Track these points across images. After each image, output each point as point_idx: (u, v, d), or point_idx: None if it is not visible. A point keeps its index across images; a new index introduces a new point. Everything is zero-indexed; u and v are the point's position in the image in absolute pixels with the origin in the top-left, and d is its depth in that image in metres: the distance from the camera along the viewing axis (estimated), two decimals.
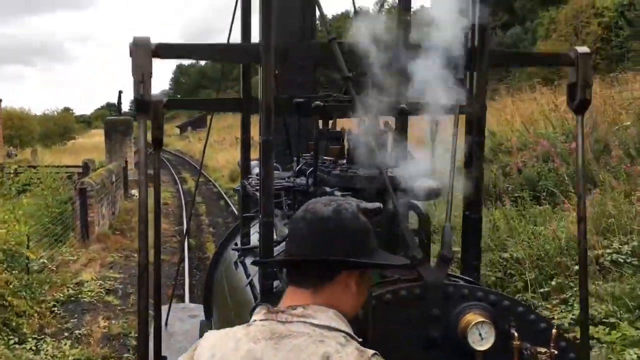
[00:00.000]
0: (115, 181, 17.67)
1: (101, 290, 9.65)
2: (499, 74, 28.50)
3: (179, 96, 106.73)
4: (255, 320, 1.54)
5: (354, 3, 4.20)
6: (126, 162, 23.01)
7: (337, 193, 2.40)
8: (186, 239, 11.03)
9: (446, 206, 2.23)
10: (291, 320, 1.48)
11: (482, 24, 2.39)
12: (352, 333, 1.53)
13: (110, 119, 26.39)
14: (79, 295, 9.33)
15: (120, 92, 29.24)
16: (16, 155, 33.95)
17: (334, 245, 1.52)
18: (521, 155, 10.76)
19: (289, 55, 2.46)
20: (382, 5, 3.44)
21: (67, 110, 72.33)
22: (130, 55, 2.13)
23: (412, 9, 3.13)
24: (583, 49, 2.32)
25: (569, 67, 2.33)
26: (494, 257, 7.22)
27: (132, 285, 9.90)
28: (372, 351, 1.48)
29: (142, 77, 2.11)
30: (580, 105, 2.30)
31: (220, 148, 35.68)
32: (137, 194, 14.99)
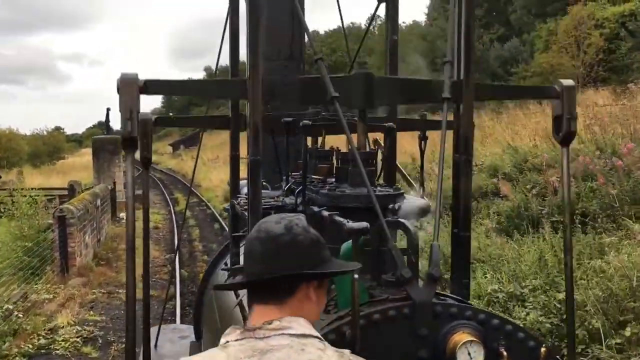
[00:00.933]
0: (102, 205, 16.31)
1: (78, 339, 8.24)
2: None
3: (170, 113, 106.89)
4: (228, 342, 1.57)
5: (342, 20, 4.26)
6: (114, 183, 21.77)
7: (326, 213, 2.41)
8: (177, 257, 10.80)
9: (434, 224, 2.24)
10: (269, 334, 1.54)
11: (468, 56, 2.45)
12: (322, 337, 1.63)
13: (98, 138, 24.98)
14: (51, 346, 7.89)
15: (108, 110, 26.98)
16: (0, 177, 31.72)
17: (289, 260, 1.60)
18: (553, 173, 9.42)
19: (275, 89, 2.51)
20: (372, 21, 3.50)
21: (58, 129, 71.44)
22: (118, 92, 2.14)
23: (401, 25, 3.18)
24: (568, 82, 2.41)
25: (555, 100, 2.42)
26: (548, 300, 6.06)
27: (115, 331, 8.79)
28: (347, 350, 1.59)
29: (129, 114, 2.13)
30: (566, 137, 2.38)
31: (214, 166, 34.30)
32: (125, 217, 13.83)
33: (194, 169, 4.16)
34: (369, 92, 2.46)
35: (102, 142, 23.38)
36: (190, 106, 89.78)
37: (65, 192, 19.82)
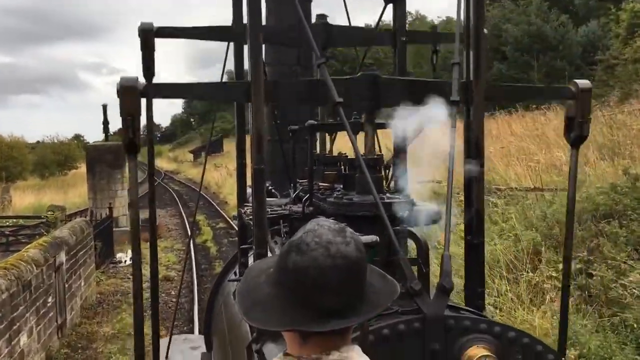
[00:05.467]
0: (74, 256, 10.10)
1: None
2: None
3: (192, 120, 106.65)
4: None
5: (349, 21, 4.18)
6: (110, 208, 15.96)
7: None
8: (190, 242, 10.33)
9: (445, 233, 2.14)
10: None
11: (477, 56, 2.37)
12: None
13: (93, 146, 19.11)
14: None
15: (105, 107, 19.64)
16: None
17: (364, 286, 1.44)
18: None
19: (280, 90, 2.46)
20: (379, 22, 3.42)
21: (77, 137, 69.34)
22: (118, 96, 2.14)
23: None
24: (584, 83, 2.34)
25: (569, 100, 2.36)
26: None
27: None
28: None
29: (131, 119, 2.14)
30: (576, 140, 2.35)
31: None
32: (125, 259, 11.82)
33: (202, 174, 4.12)
34: (376, 93, 2.39)
35: (98, 152, 17.78)
36: (212, 112, 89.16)
37: (43, 220, 14.24)
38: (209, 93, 2.64)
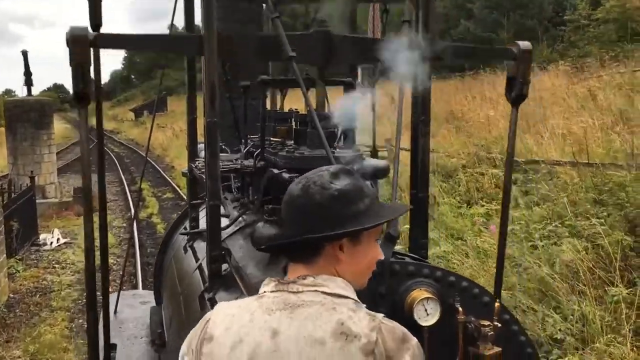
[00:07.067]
0: None
1: None
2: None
3: (133, 77, 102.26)
4: (265, 292, 1.58)
5: None
6: (32, 177, 12.73)
7: (285, 175, 2.39)
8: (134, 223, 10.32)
9: (393, 185, 2.25)
10: (302, 289, 1.55)
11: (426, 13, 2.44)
12: (358, 300, 1.60)
13: (12, 101, 16.24)
14: None
15: (25, 54, 15.83)
16: None
17: (303, 222, 1.57)
18: None
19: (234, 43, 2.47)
20: None
21: (8, 92, 65.48)
22: (67, 46, 2.10)
23: None
24: (525, 45, 2.42)
25: (510, 61, 2.44)
26: None
27: None
28: (381, 314, 1.55)
29: (81, 69, 2.10)
30: (516, 99, 2.42)
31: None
32: (51, 240, 9.85)
33: (149, 139, 4.08)
34: (327, 50, 2.43)
35: (20, 108, 14.94)
36: (155, 68, 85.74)
37: None
38: (160, 45, 2.61)
